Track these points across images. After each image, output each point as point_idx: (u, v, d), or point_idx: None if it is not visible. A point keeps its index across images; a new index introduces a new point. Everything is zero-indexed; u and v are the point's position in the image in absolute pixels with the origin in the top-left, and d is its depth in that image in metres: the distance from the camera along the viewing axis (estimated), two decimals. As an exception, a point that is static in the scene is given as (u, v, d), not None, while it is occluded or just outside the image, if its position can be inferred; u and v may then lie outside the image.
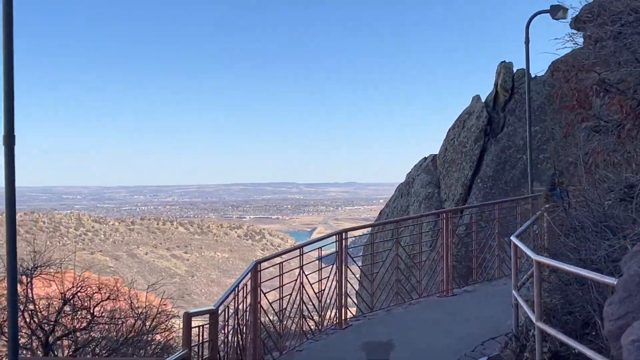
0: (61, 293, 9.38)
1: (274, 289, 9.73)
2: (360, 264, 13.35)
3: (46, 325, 8.96)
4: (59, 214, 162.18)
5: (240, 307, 8.14)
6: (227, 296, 7.37)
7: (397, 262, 12.13)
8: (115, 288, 10.22)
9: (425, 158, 22.75)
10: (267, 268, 9.71)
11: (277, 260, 9.73)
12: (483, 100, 20.97)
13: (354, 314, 12.01)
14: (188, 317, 5.86)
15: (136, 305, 10.63)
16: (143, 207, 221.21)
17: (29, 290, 9.19)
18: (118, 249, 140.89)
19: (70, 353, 8.82)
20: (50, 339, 8.80)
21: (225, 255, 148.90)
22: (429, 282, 12.91)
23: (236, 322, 7.90)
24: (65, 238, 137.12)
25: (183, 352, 5.59)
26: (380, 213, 25.12)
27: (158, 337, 11.86)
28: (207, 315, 6.65)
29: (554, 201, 9.04)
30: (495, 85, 20.92)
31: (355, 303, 12.32)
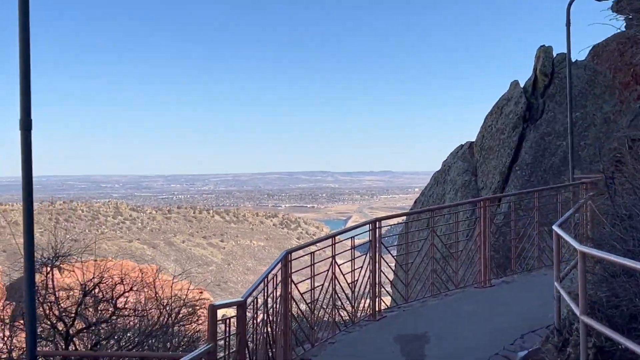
0: (81, 284, 9.14)
1: (306, 279, 9.47)
2: (394, 253, 13.03)
3: (66, 317, 8.76)
4: (98, 202, 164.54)
5: (270, 298, 7.89)
6: (256, 287, 7.11)
7: (432, 252, 11.79)
8: (139, 278, 9.90)
9: (462, 145, 22.31)
10: (301, 257, 9.42)
11: (309, 249, 9.45)
12: (522, 85, 20.49)
13: (388, 304, 11.70)
14: (213, 310, 5.58)
15: (162, 296, 10.33)
16: (180, 196, 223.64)
17: (50, 281, 8.99)
18: (155, 237, 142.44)
19: (91, 345, 8.63)
20: (72, 331, 8.61)
21: (261, 244, 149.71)
22: (466, 273, 12.55)
23: (266, 313, 7.64)
24: (103, 226, 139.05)
25: (208, 346, 5.33)
26: (415, 202, 24.76)
27: (192, 327, 11.59)
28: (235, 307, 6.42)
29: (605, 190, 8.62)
30: (534, 70, 20.40)
31: (389, 293, 12.01)
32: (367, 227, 10.84)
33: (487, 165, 19.53)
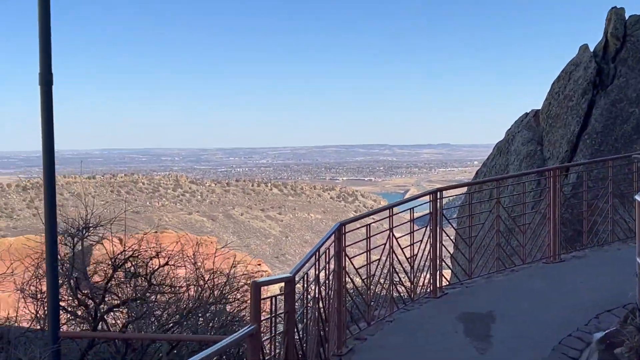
0: (111, 258, 8.59)
1: (361, 253, 8.85)
2: (455, 226, 12.33)
3: (96, 294, 8.25)
4: (158, 175, 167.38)
5: (322, 273, 7.29)
6: (306, 261, 6.53)
7: (497, 225, 11.01)
8: (180, 251, 9.28)
9: (527, 113, 21.30)
10: (357, 229, 8.82)
11: (364, 221, 8.78)
12: (591, 50, 19.35)
13: (449, 279, 11.03)
14: (257, 288, 4.97)
15: (216, 269, 9.69)
16: (238, 169, 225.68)
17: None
18: (214, 209, 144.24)
19: (122, 325, 8.16)
20: (102, 309, 8.14)
21: (318, 217, 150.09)
22: (533, 247, 11.77)
23: (317, 290, 7.04)
24: (163, 199, 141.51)
25: (250, 328, 4.76)
26: (476, 173, 23.87)
27: (242, 303, 10.94)
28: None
29: None
30: (605, 33, 19.21)
31: (450, 267, 11.34)
32: (427, 198, 10.18)
33: (554, 134, 18.54)
